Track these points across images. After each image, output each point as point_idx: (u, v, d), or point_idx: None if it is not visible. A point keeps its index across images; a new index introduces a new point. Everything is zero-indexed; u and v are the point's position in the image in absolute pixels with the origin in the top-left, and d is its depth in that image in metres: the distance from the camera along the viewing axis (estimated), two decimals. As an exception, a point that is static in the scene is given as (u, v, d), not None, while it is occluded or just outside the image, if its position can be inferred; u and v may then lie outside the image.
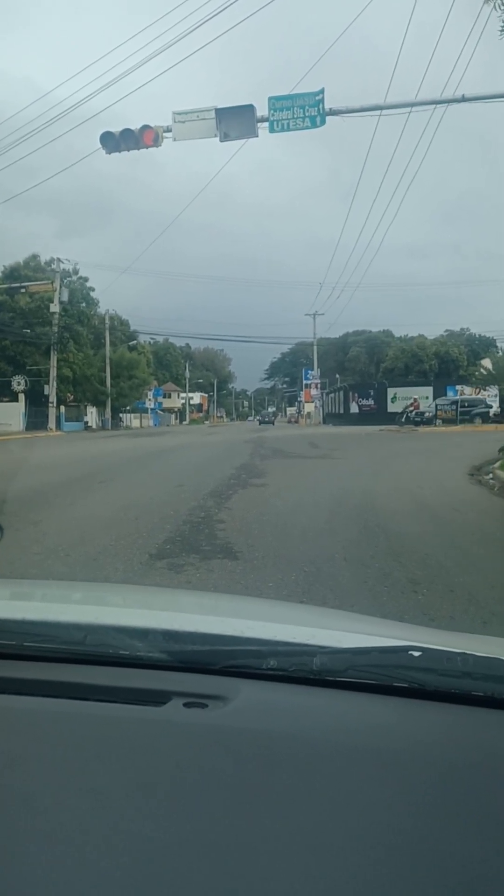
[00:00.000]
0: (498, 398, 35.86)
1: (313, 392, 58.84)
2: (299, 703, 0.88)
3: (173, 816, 0.64)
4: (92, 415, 48.66)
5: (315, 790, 0.69)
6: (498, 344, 48.43)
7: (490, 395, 37.73)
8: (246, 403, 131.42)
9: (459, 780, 0.71)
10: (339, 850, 0.60)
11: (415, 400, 40.29)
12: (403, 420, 35.89)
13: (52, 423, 38.72)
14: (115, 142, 12.98)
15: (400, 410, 39.80)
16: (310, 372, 59.71)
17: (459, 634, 1.29)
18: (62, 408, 42.35)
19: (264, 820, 0.64)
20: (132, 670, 0.93)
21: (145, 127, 13.01)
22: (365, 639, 1.05)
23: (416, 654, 0.89)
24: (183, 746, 0.77)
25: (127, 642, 0.96)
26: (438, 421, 34.69)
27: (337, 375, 72.28)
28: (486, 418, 33.81)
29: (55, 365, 39.43)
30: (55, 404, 39.55)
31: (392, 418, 38.81)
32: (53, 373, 39.25)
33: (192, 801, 0.67)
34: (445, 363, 60.08)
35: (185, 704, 0.85)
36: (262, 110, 12.88)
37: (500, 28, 7.76)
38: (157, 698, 0.86)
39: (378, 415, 44.53)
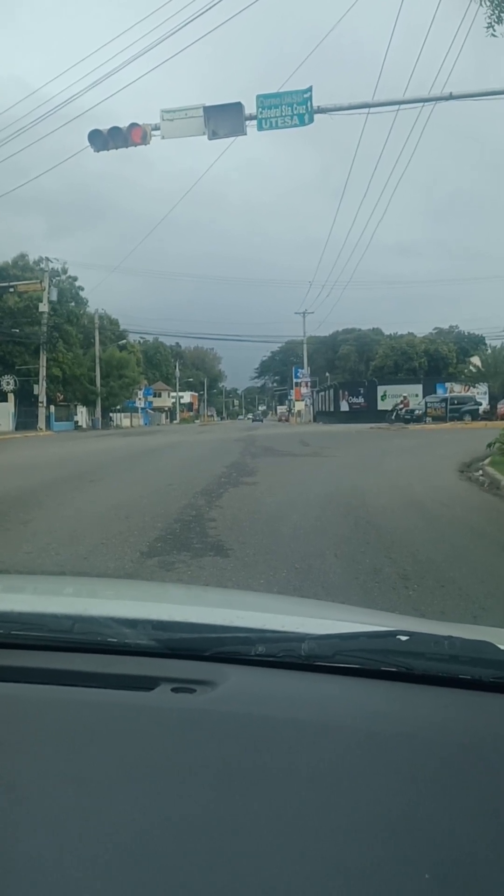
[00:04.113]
0: (487, 395, 36.10)
1: (303, 390, 58.90)
2: (287, 687, 0.88)
3: (160, 799, 0.64)
4: (82, 414, 48.50)
5: (302, 772, 0.69)
6: (487, 341, 48.61)
7: (479, 393, 38.00)
8: (236, 402, 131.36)
9: (447, 762, 0.71)
10: (327, 830, 0.60)
11: (405, 398, 40.47)
12: (393, 418, 36.02)
13: (41, 423, 38.53)
14: (104, 140, 12.91)
15: (390, 408, 39.96)
16: (300, 370, 59.76)
17: (447, 624, 1.30)
18: (52, 407, 42.18)
19: (251, 802, 0.64)
20: (121, 657, 0.93)
21: (133, 125, 12.95)
22: (353, 626, 1.05)
23: (404, 638, 0.90)
24: (170, 730, 0.78)
25: (115, 630, 0.96)
26: (428, 418, 34.87)
27: (327, 374, 72.38)
28: (475, 416, 34.00)
29: (44, 364, 39.23)
30: (45, 404, 39.35)
31: (382, 416, 38.97)
32: (43, 372, 39.04)
33: (178, 783, 0.67)
34: (435, 361, 60.31)
35: (174, 690, 0.85)
36: (250, 108, 12.87)
37: (487, 25, 7.74)
38: (145, 684, 0.86)
39: (368, 413, 44.73)
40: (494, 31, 7.69)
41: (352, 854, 0.57)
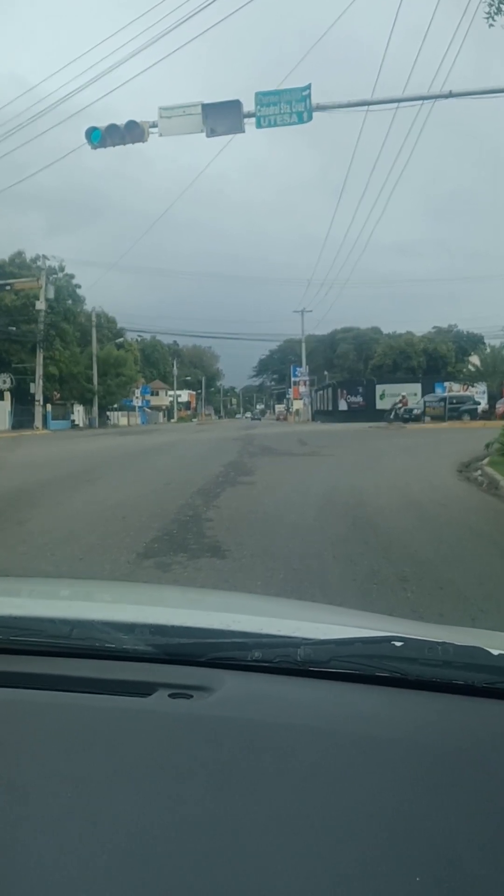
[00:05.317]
0: (486, 395, 36.05)
1: (302, 389, 58.94)
2: (283, 692, 0.89)
3: (157, 802, 0.65)
4: (79, 413, 48.40)
5: (298, 776, 0.69)
6: (486, 341, 48.47)
7: (478, 392, 37.96)
8: (234, 401, 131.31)
9: (441, 766, 0.72)
10: (323, 833, 0.61)
11: (403, 397, 40.41)
12: (392, 417, 35.94)
13: (38, 422, 38.44)
14: (101, 136, 12.86)
15: (388, 407, 39.87)
16: (298, 369, 59.79)
17: (444, 627, 1.31)
18: (49, 406, 42.06)
19: (247, 805, 0.65)
20: (118, 663, 0.94)
21: (131, 122, 12.91)
22: (349, 630, 1.05)
23: (398, 643, 0.90)
24: (167, 736, 0.78)
25: (113, 635, 0.96)
26: (427, 418, 34.79)
27: (325, 372, 72.31)
28: (474, 415, 33.95)
29: (41, 363, 39.12)
30: (41, 403, 39.24)
31: (380, 415, 38.90)
32: (39, 371, 38.94)
33: (176, 787, 0.68)
34: (434, 360, 60.24)
35: (171, 695, 0.86)
36: (249, 106, 12.82)
37: (486, 15, 7.67)
38: (142, 690, 0.87)
39: (367, 412, 44.67)
40: (494, 20, 7.62)
41: (347, 856, 0.57)
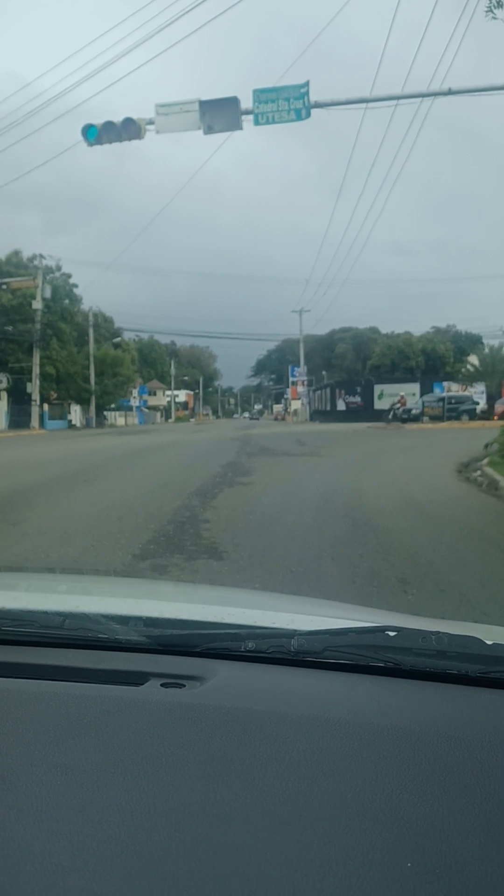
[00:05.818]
0: (485, 395, 36.02)
1: (300, 389, 58.82)
2: (276, 682, 0.88)
3: (148, 790, 0.65)
4: (76, 413, 48.30)
5: (289, 764, 0.69)
6: (484, 341, 48.41)
7: (477, 392, 37.92)
8: (232, 401, 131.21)
9: (433, 755, 0.71)
10: (314, 820, 0.61)
11: (402, 397, 40.32)
12: (390, 417, 35.86)
13: (35, 422, 38.32)
14: (97, 134, 12.77)
15: (387, 407, 39.78)
16: (296, 369, 59.66)
17: (439, 620, 1.31)
18: (45, 406, 41.95)
19: (238, 792, 0.64)
20: (111, 653, 0.94)
21: (128, 119, 12.82)
22: (343, 622, 1.04)
23: (392, 634, 0.90)
24: (159, 724, 0.77)
25: (106, 626, 0.96)
26: (425, 418, 34.73)
27: (324, 372, 72.29)
28: (472, 415, 33.91)
29: (38, 363, 39.00)
30: (38, 402, 39.12)
31: (379, 415, 38.82)
32: (36, 370, 38.82)
33: (167, 775, 0.68)
34: (432, 360, 60.20)
35: (163, 685, 0.86)
36: (247, 103, 12.74)
37: (487, 9, 7.62)
38: (134, 679, 0.87)
39: (365, 412, 44.61)
40: (495, 14, 7.58)
41: (340, 844, 0.57)
